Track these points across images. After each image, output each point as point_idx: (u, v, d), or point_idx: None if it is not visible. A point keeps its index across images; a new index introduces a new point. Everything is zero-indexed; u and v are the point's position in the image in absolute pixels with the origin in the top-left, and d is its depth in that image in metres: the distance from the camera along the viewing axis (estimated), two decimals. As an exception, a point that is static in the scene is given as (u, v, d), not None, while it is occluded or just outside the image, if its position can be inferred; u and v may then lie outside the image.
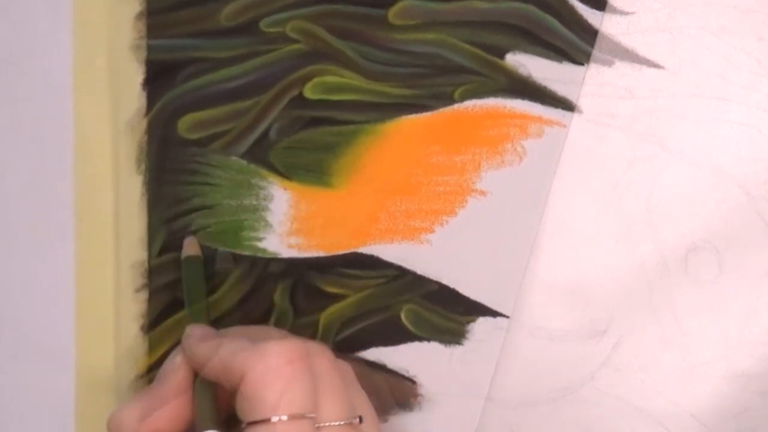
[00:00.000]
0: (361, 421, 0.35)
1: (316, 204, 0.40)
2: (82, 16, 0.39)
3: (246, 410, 0.33)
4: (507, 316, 0.40)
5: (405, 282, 0.40)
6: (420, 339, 0.41)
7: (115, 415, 0.35)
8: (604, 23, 0.39)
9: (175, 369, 0.36)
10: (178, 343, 0.37)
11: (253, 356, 0.33)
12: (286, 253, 0.40)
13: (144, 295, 0.40)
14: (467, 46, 0.39)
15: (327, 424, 0.34)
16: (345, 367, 0.37)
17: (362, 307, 0.41)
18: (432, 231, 0.40)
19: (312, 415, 0.33)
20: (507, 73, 0.39)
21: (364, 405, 0.36)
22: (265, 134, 0.40)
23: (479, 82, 0.39)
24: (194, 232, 0.40)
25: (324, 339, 0.41)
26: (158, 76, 0.39)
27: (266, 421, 0.32)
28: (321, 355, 0.35)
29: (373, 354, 0.41)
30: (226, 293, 0.40)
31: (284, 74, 0.39)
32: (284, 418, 0.32)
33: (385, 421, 0.41)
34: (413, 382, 0.41)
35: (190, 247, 0.39)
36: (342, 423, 0.34)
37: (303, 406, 0.33)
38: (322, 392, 0.34)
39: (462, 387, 0.41)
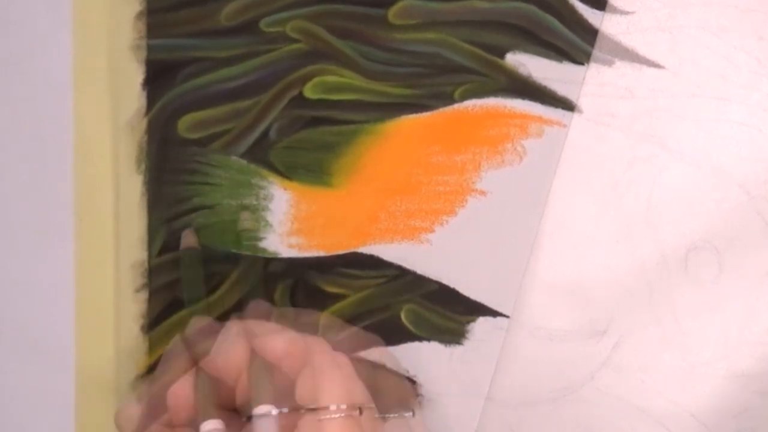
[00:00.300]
0: (360, 412, 0.35)
1: (317, 204, 0.40)
2: (82, 16, 0.39)
3: (245, 404, 0.33)
4: (507, 316, 0.40)
5: (405, 282, 0.40)
6: (420, 339, 0.41)
7: (123, 409, 0.36)
8: (605, 23, 0.39)
9: (178, 358, 0.36)
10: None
11: (316, 345, 0.34)
12: (286, 252, 0.40)
13: (144, 295, 0.40)
14: (467, 46, 0.39)
15: (327, 416, 0.34)
16: (343, 360, 0.37)
17: (362, 307, 0.41)
18: (432, 231, 0.40)
19: (313, 406, 0.33)
20: (507, 73, 0.39)
21: (362, 397, 0.37)
22: (265, 134, 0.40)
23: (479, 81, 0.39)
24: (194, 232, 0.40)
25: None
26: (158, 76, 0.39)
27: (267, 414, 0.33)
28: (320, 349, 0.36)
29: (374, 354, 0.41)
30: (226, 293, 0.40)
31: (284, 74, 0.39)
32: (284, 410, 0.33)
33: (386, 420, 0.41)
34: (413, 382, 0.41)
35: (189, 240, 0.39)
36: (342, 415, 0.35)
37: (305, 398, 0.33)
38: (320, 384, 0.35)
39: (462, 387, 0.41)
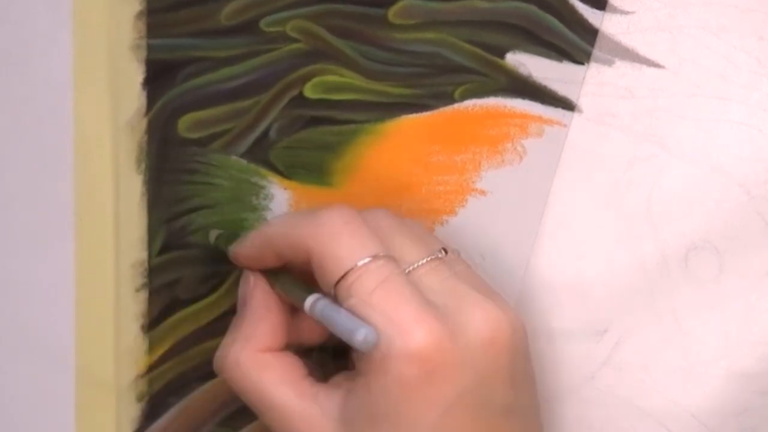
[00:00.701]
0: (446, 252, 0.35)
1: (317, 203, 0.40)
2: (82, 15, 0.39)
3: (327, 275, 0.33)
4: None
5: (405, 282, 0.40)
6: (420, 339, 0.41)
7: (219, 352, 0.37)
8: (605, 23, 0.39)
9: (252, 287, 0.37)
10: (180, 341, 0.38)
11: (309, 227, 0.34)
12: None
13: (144, 295, 0.40)
14: (467, 46, 0.39)
15: (412, 267, 0.34)
16: (411, 221, 0.37)
17: (362, 307, 0.40)
18: (432, 230, 0.40)
19: (392, 254, 0.34)
20: (507, 73, 0.39)
21: (441, 242, 0.36)
22: (266, 134, 0.40)
23: (479, 81, 0.39)
24: (194, 232, 0.40)
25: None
26: (158, 76, 0.39)
27: (350, 272, 0.33)
28: (381, 214, 0.36)
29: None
30: (226, 293, 0.40)
31: (284, 74, 0.39)
32: (366, 260, 0.33)
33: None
34: None
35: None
36: (427, 259, 0.35)
37: (378, 248, 0.33)
38: (393, 241, 0.35)
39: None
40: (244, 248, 0.37)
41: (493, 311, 0.33)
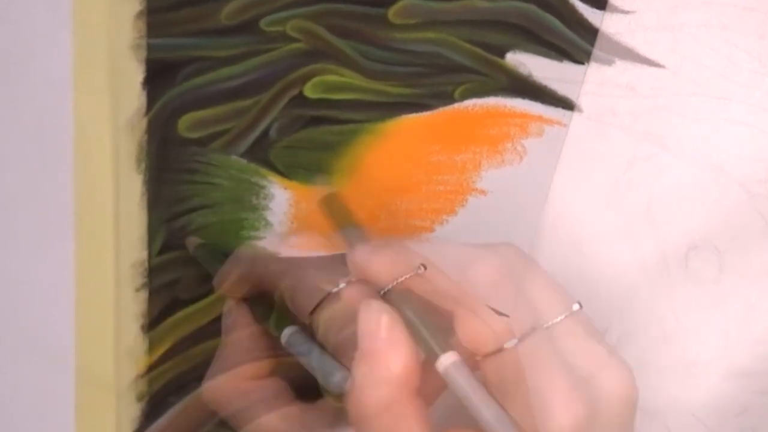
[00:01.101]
0: (425, 268, 0.34)
1: (317, 203, 0.40)
2: (82, 15, 0.39)
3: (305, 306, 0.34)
4: (507, 315, 0.40)
5: (405, 281, 0.40)
6: (420, 338, 0.41)
7: (205, 384, 0.37)
8: (605, 22, 0.39)
9: (234, 318, 0.38)
10: (180, 341, 0.37)
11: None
12: (287, 252, 0.40)
13: (144, 295, 0.40)
14: (467, 45, 0.39)
15: (391, 285, 0.34)
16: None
17: (363, 307, 0.40)
18: (432, 230, 0.40)
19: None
20: (507, 72, 0.39)
21: (419, 257, 0.35)
22: (266, 133, 0.40)
23: (479, 81, 0.39)
24: (194, 231, 0.40)
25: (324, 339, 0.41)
26: (158, 75, 0.39)
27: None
28: (514, 252, 0.35)
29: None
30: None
31: (284, 73, 0.39)
32: (341, 285, 0.33)
33: None
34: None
35: (192, 242, 0.40)
36: (407, 276, 0.34)
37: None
38: (534, 290, 0.34)
39: (462, 386, 0.40)
40: (222, 276, 0.37)
41: (628, 375, 0.33)
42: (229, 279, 0.37)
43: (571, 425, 0.31)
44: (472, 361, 0.32)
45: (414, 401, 0.31)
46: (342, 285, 0.33)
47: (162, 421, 0.40)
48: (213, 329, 0.40)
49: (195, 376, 0.40)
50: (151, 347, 0.40)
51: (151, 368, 0.40)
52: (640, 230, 0.39)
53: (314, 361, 0.32)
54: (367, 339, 0.32)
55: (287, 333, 0.34)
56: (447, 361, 0.31)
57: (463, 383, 0.31)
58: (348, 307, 0.32)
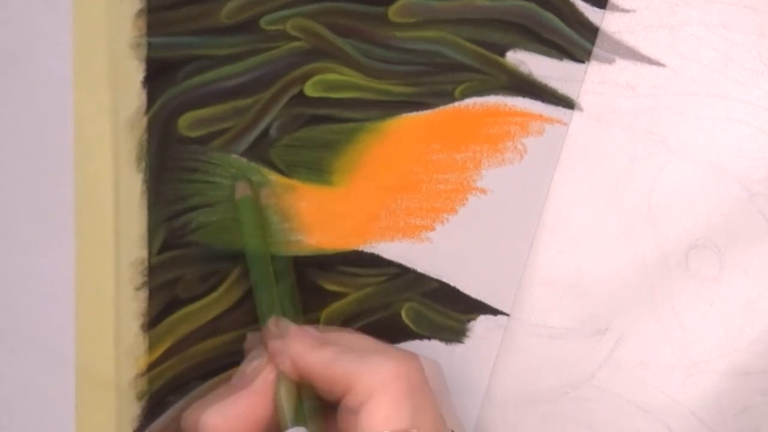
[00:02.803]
0: None
1: (317, 202, 0.40)
2: (82, 14, 0.39)
3: (351, 425, 0.33)
4: (507, 314, 0.40)
5: (405, 280, 0.40)
6: (421, 337, 0.41)
7: (195, 416, 0.36)
8: (605, 20, 0.39)
9: (260, 370, 0.36)
10: (180, 340, 0.37)
11: (361, 369, 0.34)
12: (287, 251, 0.40)
13: (144, 294, 0.40)
14: (468, 44, 0.39)
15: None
16: (434, 371, 0.37)
17: (363, 305, 0.41)
18: (433, 229, 0.40)
19: (415, 431, 0.33)
20: (508, 71, 0.39)
21: (450, 416, 0.36)
22: (266, 132, 0.40)
23: (480, 79, 0.39)
24: (194, 230, 0.40)
25: None
26: (158, 74, 0.39)
27: None
28: (416, 367, 0.35)
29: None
30: (226, 292, 0.40)
31: (285, 72, 0.39)
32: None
33: None
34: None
35: (242, 189, 0.39)
36: None
37: (408, 422, 0.33)
38: (420, 407, 0.34)
39: (463, 385, 0.41)
40: (306, 354, 0.37)
41: None
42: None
43: None
44: None
45: None
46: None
47: (162, 420, 0.40)
48: (213, 328, 0.40)
49: (195, 375, 0.40)
50: (151, 346, 0.40)
51: (151, 367, 0.40)
52: (641, 228, 0.39)
53: None
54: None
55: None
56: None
57: None
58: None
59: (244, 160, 0.40)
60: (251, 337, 0.39)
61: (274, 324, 0.37)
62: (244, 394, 0.36)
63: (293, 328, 0.37)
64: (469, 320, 0.40)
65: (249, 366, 0.37)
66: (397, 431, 0.33)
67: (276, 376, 0.36)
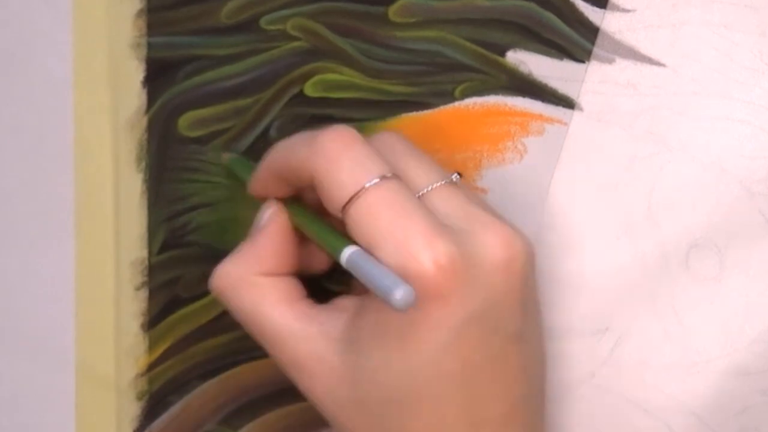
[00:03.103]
0: (460, 176, 0.34)
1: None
2: (82, 14, 0.39)
3: (332, 201, 0.32)
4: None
5: (406, 280, 0.40)
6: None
7: (220, 268, 0.35)
8: (605, 20, 0.39)
9: (271, 214, 0.36)
10: (180, 340, 0.37)
11: (308, 151, 0.33)
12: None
13: (144, 293, 0.40)
14: (468, 44, 0.39)
15: (425, 190, 0.33)
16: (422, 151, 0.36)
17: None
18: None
19: (402, 177, 0.32)
20: (508, 71, 0.39)
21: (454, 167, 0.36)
22: (266, 132, 0.40)
23: (480, 79, 0.39)
24: (194, 230, 0.40)
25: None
26: (158, 74, 0.39)
27: (356, 196, 0.31)
28: (390, 136, 0.35)
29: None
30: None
31: (285, 72, 0.39)
32: (374, 181, 0.31)
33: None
34: None
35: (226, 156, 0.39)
36: (441, 183, 0.33)
37: (384, 170, 0.32)
38: (404, 163, 0.33)
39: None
40: (254, 179, 0.36)
41: (509, 235, 0.32)
42: (264, 177, 0.35)
43: (439, 261, 0.30)
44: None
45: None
46: (375, 180, 0.31)
47: (162, 419, 0.40)
48: (213, 328, 0.40)
49: (195, 375, 0.40)
50: (152, 346, 0.40)
51: (151, 367, 0.40)
52: (641, 228, 0.39)
53: (376, 279, 0.30)
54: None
55: (348, 252, 0.31)
56: (345, 254, 0.31)
57: (365, 267, 0.31)
58: (380, 203, 0.31)
59: (244, 159, 0.39)
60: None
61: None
62: (252, 237, 0.36)
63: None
64: (469, 320, 0.40)
65: (261, 217, 0.36)
66: (381, 175, 0.32)
67: (287, 218, 0.35)
